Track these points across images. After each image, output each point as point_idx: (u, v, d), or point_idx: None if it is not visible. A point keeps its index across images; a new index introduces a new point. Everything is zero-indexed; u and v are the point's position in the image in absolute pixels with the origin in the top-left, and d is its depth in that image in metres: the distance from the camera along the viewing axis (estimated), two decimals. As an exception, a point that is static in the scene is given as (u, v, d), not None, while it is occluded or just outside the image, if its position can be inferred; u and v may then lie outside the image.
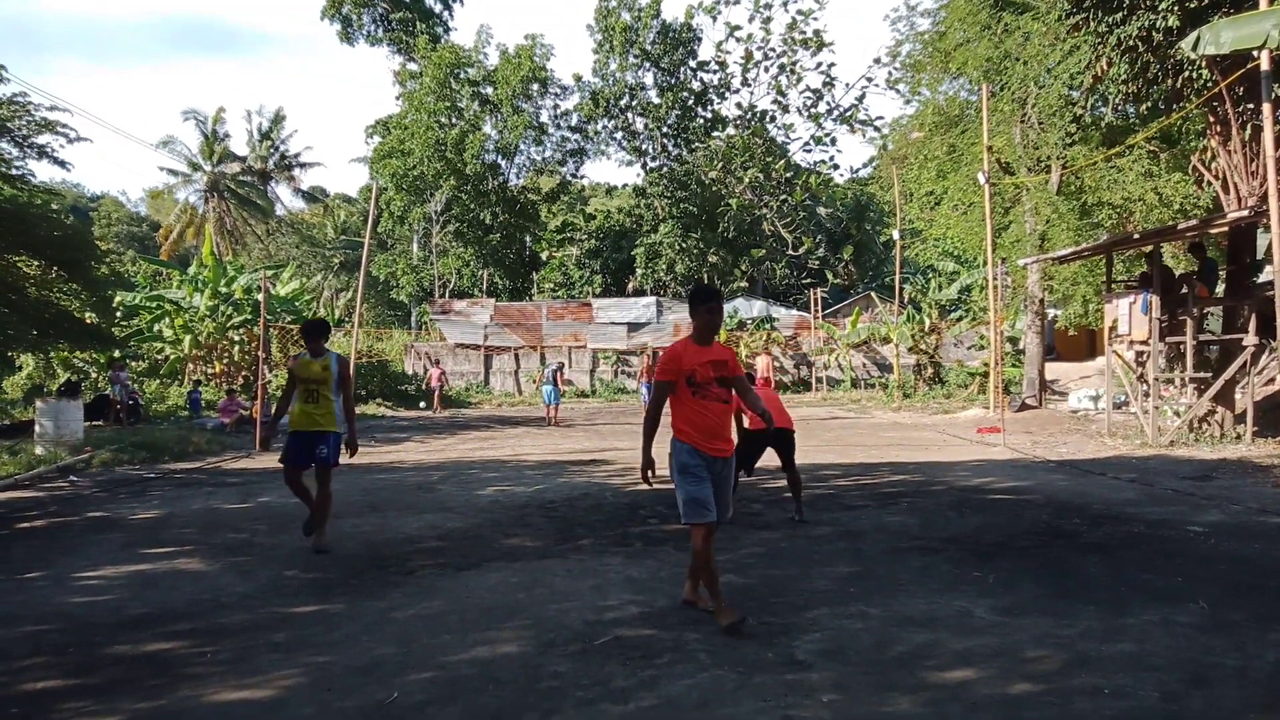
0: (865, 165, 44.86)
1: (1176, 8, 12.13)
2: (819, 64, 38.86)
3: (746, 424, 7.71)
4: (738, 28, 38.35)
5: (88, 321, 16.28)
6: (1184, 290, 13.79)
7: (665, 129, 40.02)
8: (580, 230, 42.46)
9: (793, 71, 38.56)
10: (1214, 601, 5.10)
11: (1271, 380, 15.61)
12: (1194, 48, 10.41)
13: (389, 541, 7.39)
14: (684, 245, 37.77)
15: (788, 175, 38.91)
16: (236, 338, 26.14)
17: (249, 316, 26.16)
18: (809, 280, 38.76)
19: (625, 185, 46.92)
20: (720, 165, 38.12)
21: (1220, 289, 15.05)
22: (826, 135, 40.06)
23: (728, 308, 34.15)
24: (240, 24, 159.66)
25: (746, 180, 37.67)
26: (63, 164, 17.70)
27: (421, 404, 28.82)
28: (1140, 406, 14.91)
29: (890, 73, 34.19)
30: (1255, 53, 10.87)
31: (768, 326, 33.35)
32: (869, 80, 39.67)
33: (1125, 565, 6.03)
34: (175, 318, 26.55)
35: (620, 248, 40.27)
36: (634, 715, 3.70)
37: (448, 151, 38.48)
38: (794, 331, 34.24)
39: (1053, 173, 18.30)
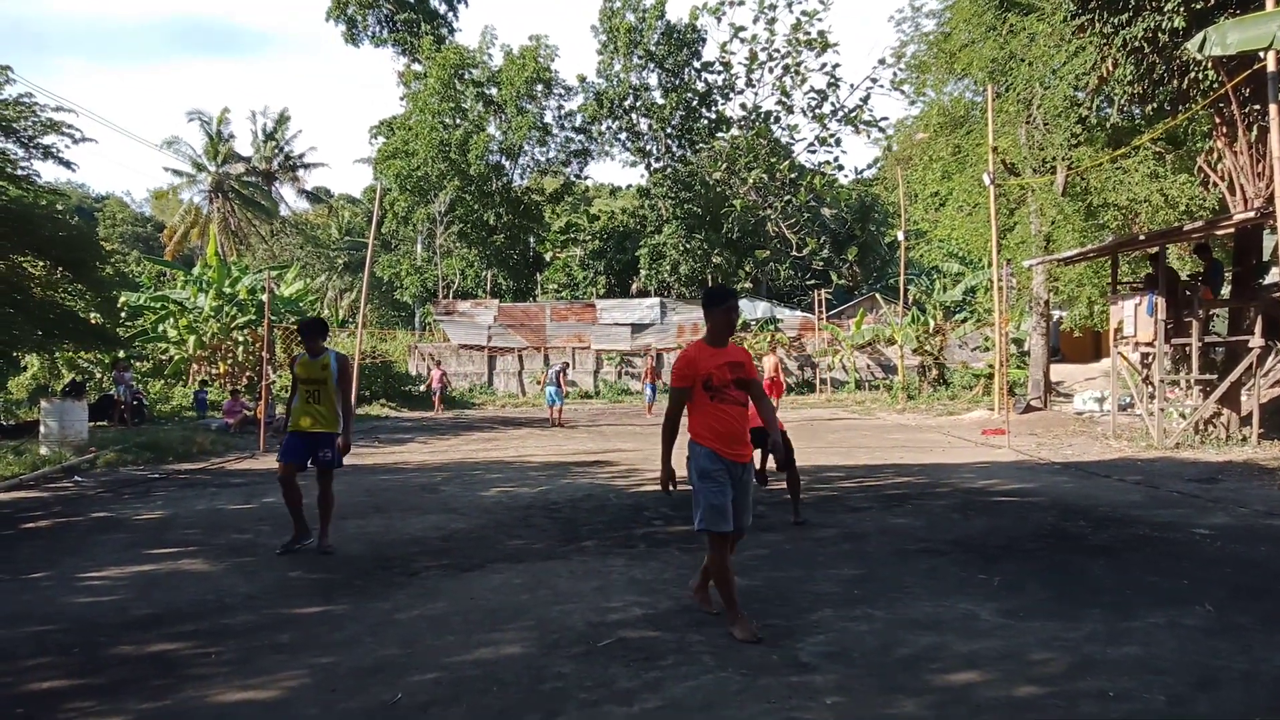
0: (870, 166, 44.83)
1: (1182, 9, 12.10)
2: (823, 65, 38.86)
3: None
4: (742, 28, 38.35)
5: (92, 322, 16.33)
6: (1189, 291, 13.75)
7: (669, 130, 40.00)
8: (584, 231, 42.46)
9: (797, 72, 38.53)
10: (1220, 604, 5.08)
11: (1277, 382, 15.55)
12: (1200, 49, 10.38)
13: (393, 542, 7.39)
14: (688, 246, 37.76)
15: (792, 176, 38.88)
16: (240, 338, 26.21)
17: (253, 317, 26.22)
18: (813, 281, 38.74)
19: (629, 186, 46.99)
20: (724, 166, 38.10)
21: (1226, 290, 15.01)
22: (831, 136, 40.05)
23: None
24: (245, 24, 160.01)
25: (751, 181, 37.65)
26: (68, 164, 17.74)
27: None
28: (1145, 408, 14.86)
29: (895, 73, 34.06)
30: (1262, 54, 10.84)
31: (772, 328, 33.32)
32: (874, 81, 39.57)
33: (1131, 568, 6.01)
34: (179, 318, 26.63)
35: (624, 249, 40.27)
36: (638, 717, 3.69)
37: (452, 152, 38.51)
38: (798, 333, 34.21)
39: (1058, 174, 18.25)
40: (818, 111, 39.48)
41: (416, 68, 43.32)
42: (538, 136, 40.95)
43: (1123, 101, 14.83)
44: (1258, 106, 12.81)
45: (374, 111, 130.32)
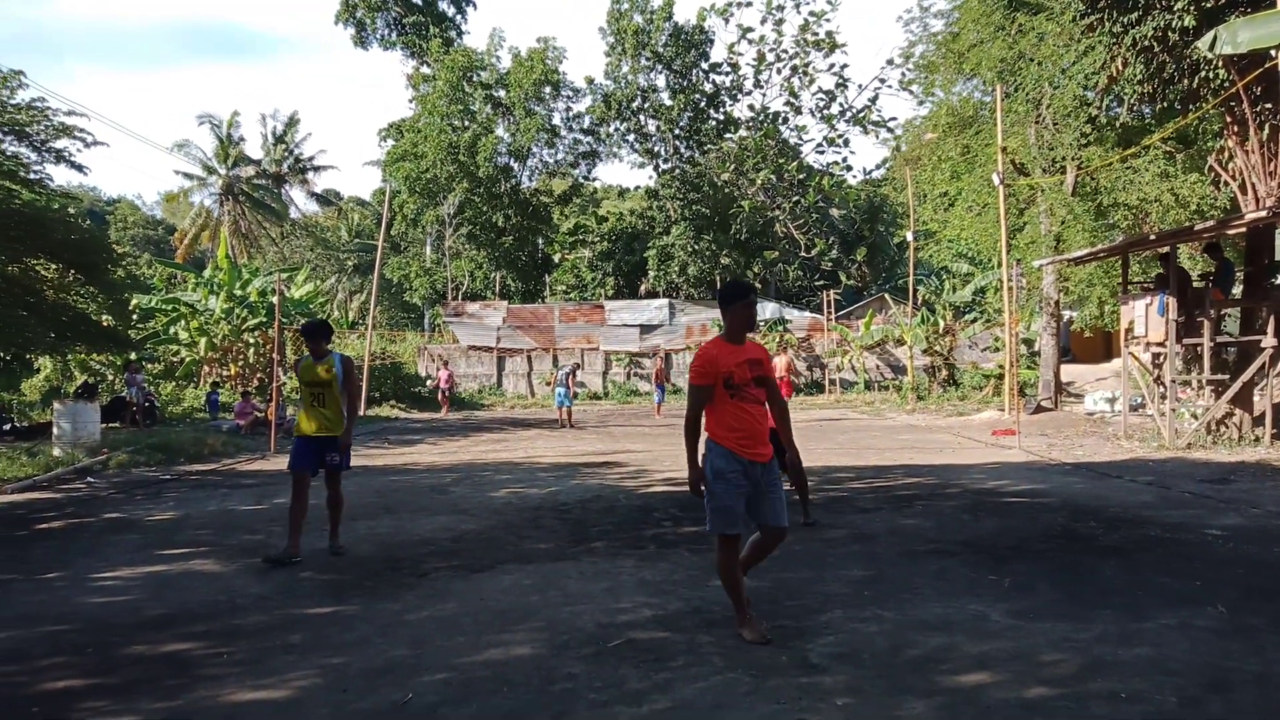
0: (878, 166, 44.72)
1: (1192, 7, 12.04)
2: (831, 65, 38.63)
3: None
4: (750, 29, 38.30)
5: (104, 324, 16.42)
6: (1201, 290, 13.69)
7: (677, 131, 40.00)
8: (592, 232, 42.48)
9: (805, 73, 38.47)
10: (1233, 606, 5.05)
11: (1290, 382, 15.45)
12: (1211, 47, 10.33)
13: (403, 543, 7.41)
14: (696, 247, 37.75)
15: (800, 177, 38.81)
16: (251, 340, 26.33)
17: (264, 319, 26.35)
18: (822, 282, 38.64)
19: (637, 187, 47.03)
20: (732, 167, 38.06)
21: (1238, 290, 14.93)
22: (839, 136, 39.96)
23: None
24: (254, 28, 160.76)
25: (759, 182, 37.60)
26: (80, 168, 17.84)
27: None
28: (1157, 409, 14.79)
29: (903, 74, 34.00)
30: (1273, 52, 10.79)
31: (781, 328, 33.29)
32: (882, 81, 39.32)
33: (1142, 569, 5.98)
34: (191, 320, 26.77)
35: (632, 250, 40.28)
36: (647, 718, 3.69)
37: (460, 154, 38.61)
38: (807, 333, 34.16)
39: (1068, 174, 18.20)
40: (826, 112, 39.43)
41: (425, 70, 43.45)
42: (546, 138, 41.01)
43: (1133, 101, 14.78)
44: (1269, 105, 12.74)
45: (383, 114, 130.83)
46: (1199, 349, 13.80)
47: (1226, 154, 14.29)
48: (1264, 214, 12.11)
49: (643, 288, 39.55)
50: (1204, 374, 13.76)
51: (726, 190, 38.49)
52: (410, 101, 44.34)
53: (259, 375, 25.10)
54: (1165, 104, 14.69)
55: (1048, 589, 5.51)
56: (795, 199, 38.32)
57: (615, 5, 39.60)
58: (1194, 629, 4.66)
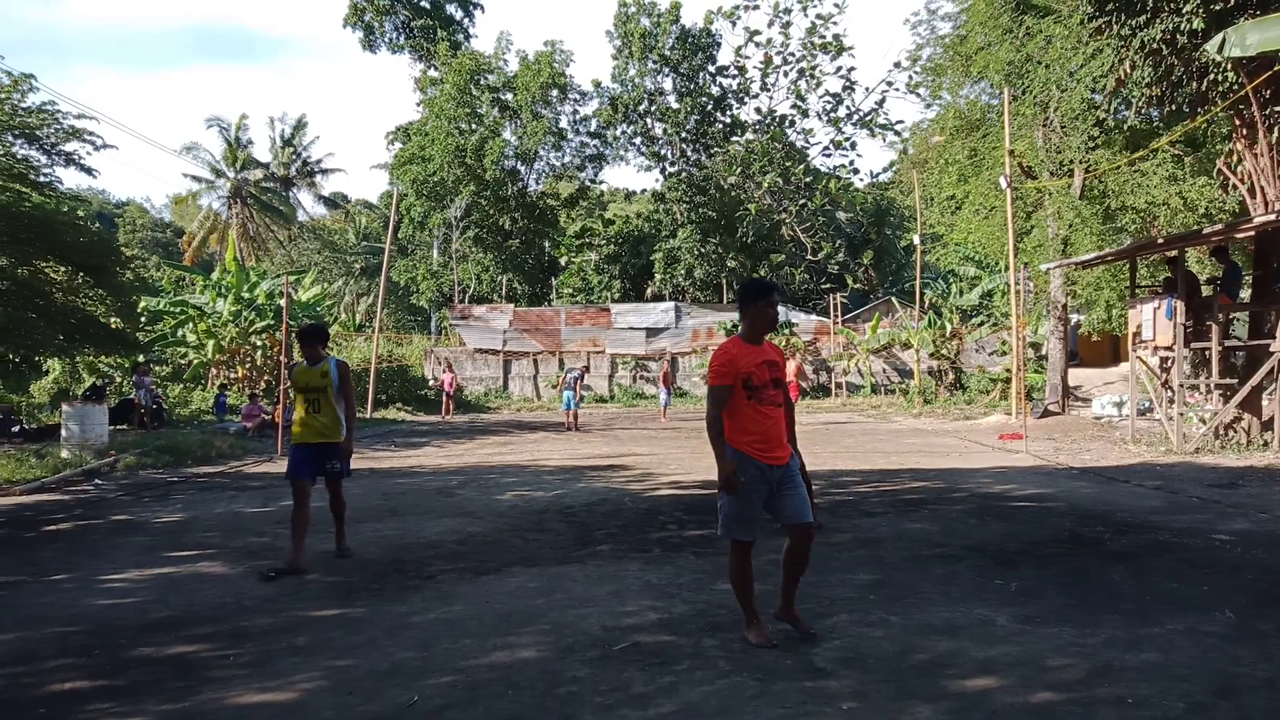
0: (885, 170, 44.59)
1: (1201, 10, 12.00)
2: (838, 68, 38.53)
3: None
4: (757, 33, 38.26)
5: (113, 326, 16.48)
6: (1209, 296, 13.63)
7: (684, 134, 40.00)
8: (599, 235, 42.49)
9: (812, 76, 38.43)
10: (1241, 611, 5.03)
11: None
12: (1219, 50, 10.31)
13: (409, 546, 7.42)
14: (703, 250, 37.73)
15: (807, 180, 38.77)
16: (259, 343, 26.40)
17: (271, 322, 26.40)
18: (828, 285, 38.55)
19: (644, 190, 46.95)
20: (739, 170, 38.05)
21: (1246, 294, 14.86)
22: (846, 140, 39.89)
23: (747, 313, 34.02)
24: (263, 31, 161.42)
25: (765, 185, 37.57)
26: (89, 171, 17.87)
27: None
28: (1165, 413, 14.73)
29: (910, 77, 33.97)
30: (1282, 55, 10.74)
31: (787, 332, 33.24)
32: (889, 84, 39.02)
33: (1150, 574, 5.96)
34: (199, 323, 26.84)
35: (639, 253, 40.29)
36: (653, 722, 3.69)
37: (468, 157, 38.68)
38: (813, 337, 34.11)
39: (1075, 177, 18.14)
40: (833, 115, 39.37)
41: (433, 74, 43.56)
42: (553, 141, 41.06)
43: (1141, 104, 14.72)
44: (1278, 108, 12.69)
45: (390, 117, 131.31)
46: (1207, 353, 13.74)
47: (1235, 157, 14.25)
48: (1273, 217, 12.06)
49: (649, 291, 39.55)
50: (1212, 378, 13.70)
51: (733, 193, 38.48)
52: (418, 105, 44.45)
53: (266, 378, 25.17)
54: (1173, 107, 14.64)
55: (1054, 594, 5.49)
56: (802, 202, 38.28)
57: (622, 8, 39.66)
58: (1202, 634, 4.63)
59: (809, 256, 38.51)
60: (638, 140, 41.35)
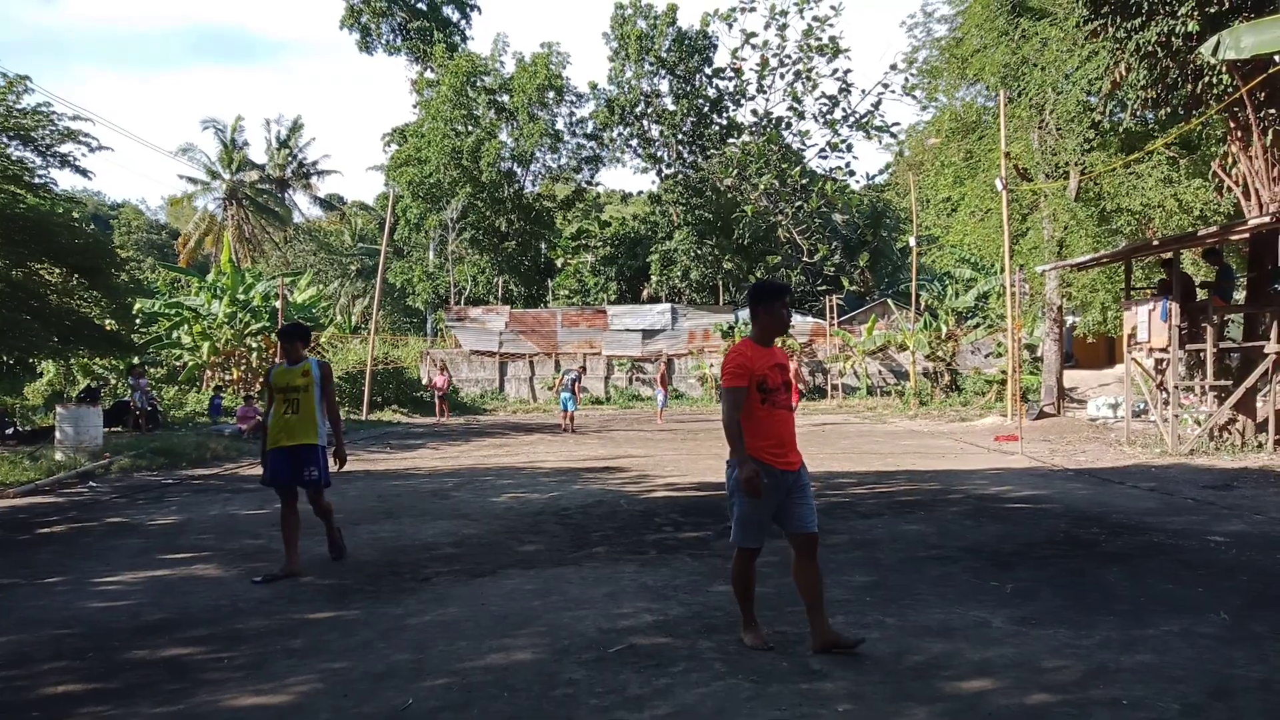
0: (881, 172, 44.70)
1: (1196, 12, 12.04)
2: (835, 70, 38.58)
3: None
4: (753, 35, 38.32)
5: (108, 328, 16.46)
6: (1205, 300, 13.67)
7: (680, 136, 40.05)
8: (595, 237, 42.51)
9: (808, 78, 38.48)
10: (1236, 613, 5.03)
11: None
12: (1214, 53, 10.33)
13: (405, 548, 7.41)
14: (699, 252, 37.76)
15: (803, 182, 38.81)
16: (254, 344, 26.38)
17: (267, 323, 26.38)
18: (824, 287, 38.59)
19: (640, 192, 47.13)
20: (735, 172, 38.09)
21: (1240, 296, 14.89)
22: (842, 142, 39.95)
23: (742, 315, 34.12)
24: (259, 33, 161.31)
25: (762, 187, 37.60)
26: (84, 172, 17.79)
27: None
28: (1160, 414, 14.77)
29: (907, 79, 34.09)
30: (1277, 57, 10.78)
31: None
32: (885, 86, 39.10)
33: (1145, 575, 5.97)
34: (194, 325, 26.81)
35: (635, 255, 40.31)
36: (648, 724, 3.69)
37: (464, 159, 38.68)
38: (809, 339, 34.14)
39: (1071, 179, 18.19)
40: (829, 117, 39.43)
41: (429, 75, 43.55)
42: (549, 143, 41.08)
43: (1136, 106, 14.78)
44: (1273, 110, 12.73)
45: (386, 119, 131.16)
46: (1202, 355, 13.78)
47: (1230, 159, 14.28)
48: (1267, 219, 12.09)
49: (645, 293, 39.56)
50: (1207, 380, 13.74)
51: (729, 195, 38.52)
52: (414, 106, 44.45)
53: (261, 380, 25.13)
54: (1168, 109, 14.69)
55: (1050, 595, 5.50)
56: (798, 204, 38.32)
57: (619, 10, 39.70)
58: (1197, 636, 4.64)
59: (805, 258, 38.54)
60: (634, 142, 41.39)
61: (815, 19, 37.35)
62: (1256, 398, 13.52)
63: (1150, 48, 12.84)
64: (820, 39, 37.58)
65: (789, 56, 38.18)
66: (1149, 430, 15.43)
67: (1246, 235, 13.13)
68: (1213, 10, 12.05)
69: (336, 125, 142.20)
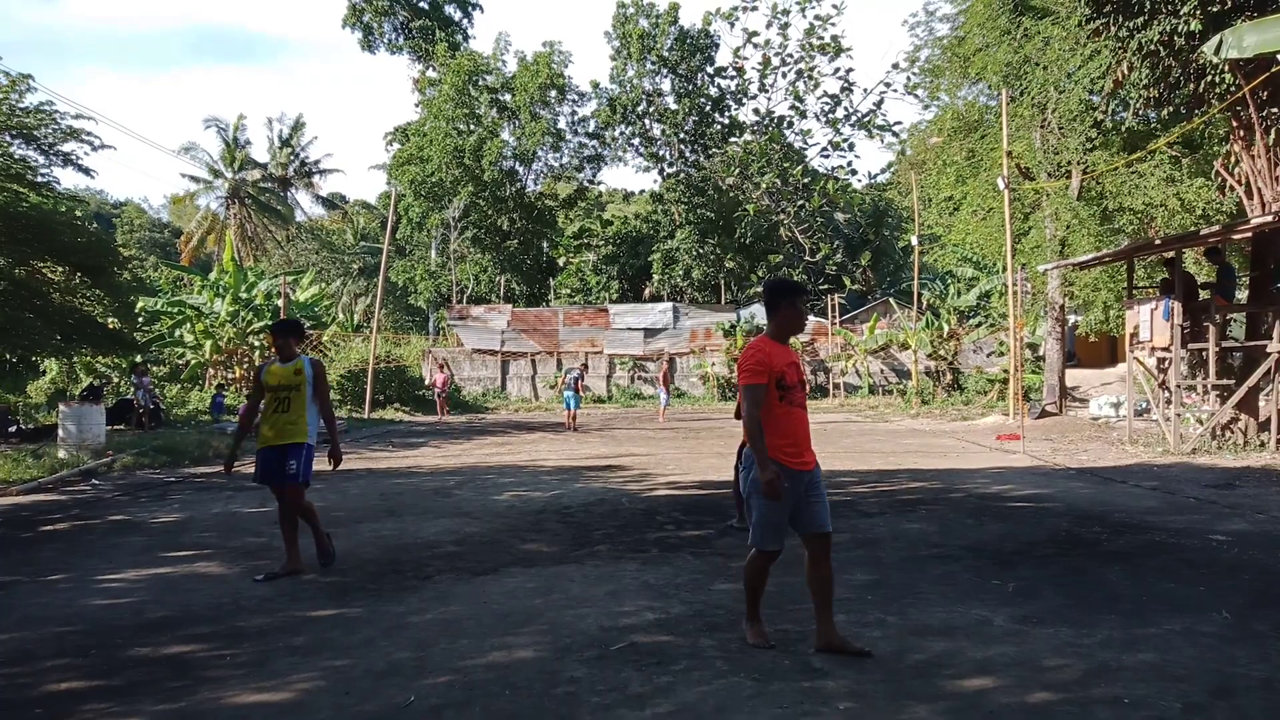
0: (883, 171, 44.67)
1: (1198, 11, 12.03)
2: (837, 69, 38.56)
3: None
4: (755, 34, 38.29)
5: (110, 327, 16.48)
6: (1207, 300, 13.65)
7: (682, 135, 40.02)
8: (597, 236, 42.50)
9: (810, 77, 38.45)
10: (1238, 611, 5.03)
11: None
12: (1216, 52, 10.32)
13: (406, 546, 7.41)
14: (701, 251, 37.75)
15: (805, 181, 38.80)
16: (256, 343, 26.41)
17: (269, 322, 26.39)
18: (826, 286, 38.57)
19: (642, 191, 47.07)
20: (737, 171, 38.07)
21: (1243, 295, 14.88)
22: (844, 141, 39.93)
23: (743, 314, 34.12)
24: (261, 32, 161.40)
25: (763, 186, 37.59)
26: (87, 171, 17.84)
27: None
28: (1162, 413, 14.75)
29: (909, 78, 34.03)
30: (1279, 56, 10.76)
31: (785, 332, 33.23)
32: (887, 85, 39.04)
33: (1147, 574, 5.96)
34: (196, 323, 26.84)
35: (637, 253, 40.31)
36: (650, 721, 3.69)
37: (466, 158, 38.68)
38: (811, 337, 34.12)
39: (1073, 178, 18.17)
40: (831, 116, 39.40)
41: (431, 74, 43.55)
42: (551, 142, 41.08)
43: (1138, 105, 14.75)
44: (1275, 110, 12.72)
45: (389, 118, 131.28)
46: (1204, 354, 13.77)
47: (1232, 158, 14.27)
48: (1270, 219, 12.08)
49: (647, 291, 39.56)
50: (1209, 379, 13.72)
51: (731, 194, 38.51)
52: (416, 105, 44.47)
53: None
54: (1171, 109, 14.66)
55: (1052, 594, 5.50)
56: (800, 203, 38.30)
57: (621, 9, 39.69)
58: (1199, 635, 4.64)
59: (807, 257, 38.53)
60: (636, 141, 41.37)
61: (817, 18, 37.33)
62: (1259, 397, 13.51)
63: (1152, 47, 12.83)
64: (822, 38, 37.55)
65: (791, 55, 38.17)
66: (1151, 429, 15.41)
67: (1249, 234, 13.13)
68: (1215, 9, 12.03)
69: (339, 124, 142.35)
